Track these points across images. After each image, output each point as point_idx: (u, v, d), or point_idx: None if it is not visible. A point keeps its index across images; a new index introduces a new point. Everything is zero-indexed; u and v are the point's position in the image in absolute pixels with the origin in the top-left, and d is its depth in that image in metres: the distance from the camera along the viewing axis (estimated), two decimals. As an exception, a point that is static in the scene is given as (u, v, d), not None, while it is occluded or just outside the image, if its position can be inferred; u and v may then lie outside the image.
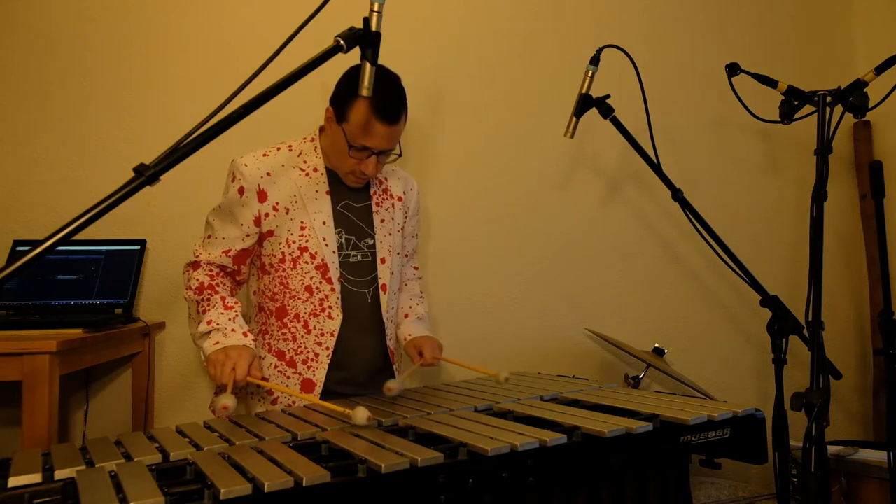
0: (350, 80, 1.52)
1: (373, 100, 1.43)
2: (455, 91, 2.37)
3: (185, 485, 0.91)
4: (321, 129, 1.66)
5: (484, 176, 2.40)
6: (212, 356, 1.43)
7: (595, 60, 1.82)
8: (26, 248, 0.80)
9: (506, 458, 1.06)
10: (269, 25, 2.19)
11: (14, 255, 1.93)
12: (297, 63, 1.05)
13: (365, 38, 1.12)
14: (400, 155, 1.59)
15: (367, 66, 1.14)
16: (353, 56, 1.14)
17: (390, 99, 1.48)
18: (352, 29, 1.10)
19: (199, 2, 2.17)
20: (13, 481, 0.93)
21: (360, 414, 1.18)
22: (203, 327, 1.49)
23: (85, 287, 1.93)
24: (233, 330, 1.48)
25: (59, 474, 0.96)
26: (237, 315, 1.52)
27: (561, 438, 1.12)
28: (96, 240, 1.97)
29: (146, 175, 0.90)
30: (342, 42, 1.09)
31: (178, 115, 2.13)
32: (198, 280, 1.55)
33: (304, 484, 0.90)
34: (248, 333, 1.51)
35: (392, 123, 1.49)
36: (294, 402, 1.57)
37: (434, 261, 2.32)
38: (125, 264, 1.98)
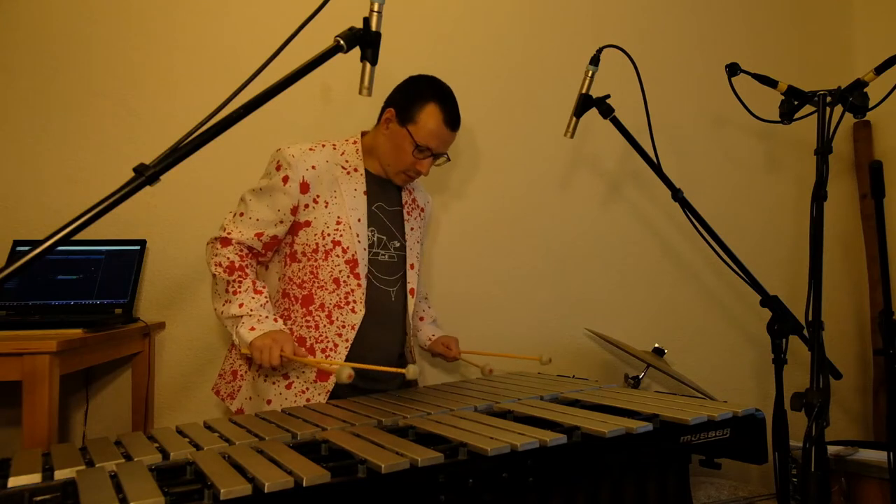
0: (419, 85, 1.67)
1: (443, 107, 1.63)
2: (455, 91, 2.37)
3: (185, 485, 0.91)
4: (363, 134, 1.75)
5: (483, 176, 2.40)
6: (256, 342, 1.49)
7: (595, 60, 1.82)
8: (26, 248, 0.80)
9: (506, 458, 1.06)
10: (269, 25, 2.19)
11: (14, 255, 1.93)
12: (297, 63, 1.05)
13: (365, 38, 1.12)
14: (449, 159, 1.73)
15: (367, 66, 1.14)
16: (354, 55, 1.14)
17: (455, 107, 1.67)
18: (352, 29, 1.10)
19: (200, 2, 2.18)
20: (13, 481, 0.93)
21: (413, 370, 1.34)
22: (235, 310, 1.55)
23: (85, 287, 1.93)
24: (266, 316, 1.55)
25: (59, 474, 0.96)
26: (267, 301, 1.59)
27: (561, 438, 1.12)
28: (96, 240, 1.97)
29: (146, 175, 0.90)
30: (342, 42, 1.08)
31: (178, 115, 2.13)
32: (228, 258, 1.58)
33: (304, 484, 0.90)
34: (279, 319, 1.59)
35: (456, 130, 1.68)
36: (307, 391, 1.61)
37: (434, 261, 2.32)
38: (125, 264, 1.98)
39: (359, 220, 1.64)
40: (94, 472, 0.97)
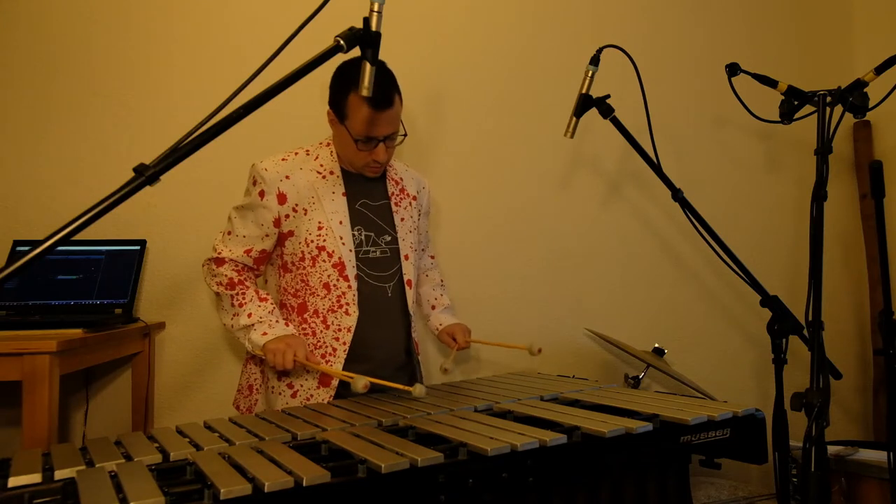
0: (339, 79, 1.59)
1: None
2: (455, 91, 2.37)
3: (185, 485, 0.92)
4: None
5: (483, 176, 2.40)
6: (270, 345, 1.53)
7: (595, 60, 1.82)
8: (26, 248, 0.80)
9: (506, 458, 1.06)
10: (269, 25, 2.19)
11: (14, 255, 1.93)
12: (297, 63, 1.05)
13: (365, 38, 1.11)
14: (405, 135, 1.65)
15: (367, 66, 1.14)
16: (354, 55, 1.14)
17: (379, 87, 1.50)
18: (352, 29, 1.10)
19: (200, 2, 2.17)
20: (13, 481, 0.93)
21: (419, 389, 1.31)
22: (245, 320, 1.59)
23: (85, 287, 1.93)
24: (277, 321, 1.60)
25: (59, 474, 0.96)
26: (274, 307, 1.63)
27: (561, 438, 1.12)
28: (96, 240, 1.97)
29: (146, 175, 0.90)
30: (342, 42, 1.08)
31: (178, 115, 2.13)
32: (226, 276, 1.62)
33: (304, 484, 0.90)
34: (289, 323, 1.63)
35: (387, 108, 1.54)
36: (312, 398, 1.62)
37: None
38: (125, 264, 1.98)
39: (340, 223, 1.63)
40: (94, 472, 0.97)
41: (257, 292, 1.62)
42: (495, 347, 1.86)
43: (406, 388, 1.34)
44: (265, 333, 1.56)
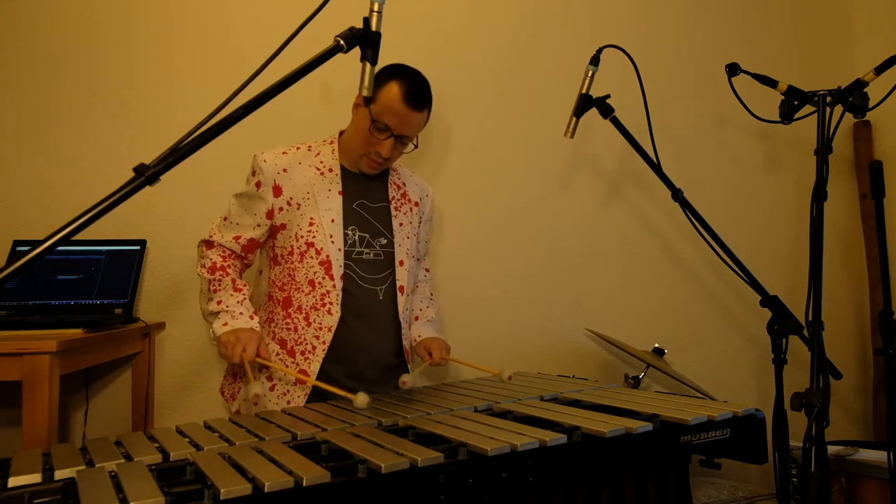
0: (388, 69, 1.62)
1: (402, 84, 1.58)
2: (455, 91, 2.37)
3: (185, 485, 0.91)
4: (340, 133, 1.74)
5: (483, 176, 2.40)
6: (222, 337, 1.54)
7: (595, 60, 1.82)
8: (26, 248, 0.80)
9: (506, 458, 1.06)
10: (269, 25, 2.19)
11: (14, 255, 1.93)
12: (297, 63, 1.05)
13: (365, 38, 1.12)
14: (416, 146, 1.68)
15: (367, 66, 1.14)
16: (354, 55, 1.14)
17: (419, 88, 1.60)
18: (352, 29, 1.10)
19: (200, 2, 2.18)
20: (13, 481, 0.93)
21: (361, 399, 1.33)
22: (213, 307, 1.60)
23: (85, 287, 1.93)
24: (241, 313, 1.59)
25: (59, 474, 0.96)
26: (245, 298, 1.63)
27: (561, 438, 1.12)
28: (96, 240, 1.97)
29: (146, 175, 0.90)
30: (342, 42, 1.09)
31: (178, 115, 2.13)
32: (211, 259, 1.64)
33: (304, 484, 0.90)
34: (255, 316, 1.62)
35: (416, 110, 1.59)
36: (288, 393, 1.62)
37: (434, 261, 2.32)
38: (125, 264, 1.98)
39: (332, 221, 1.63)
40: (94, 472, 0.97)
41: (234, 282, 1.63)
42: (472, 368, 1.81)
43: (348, 395, 1.37)
44: (226, 324, 1.56)
